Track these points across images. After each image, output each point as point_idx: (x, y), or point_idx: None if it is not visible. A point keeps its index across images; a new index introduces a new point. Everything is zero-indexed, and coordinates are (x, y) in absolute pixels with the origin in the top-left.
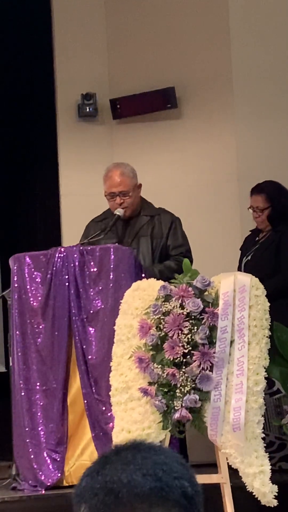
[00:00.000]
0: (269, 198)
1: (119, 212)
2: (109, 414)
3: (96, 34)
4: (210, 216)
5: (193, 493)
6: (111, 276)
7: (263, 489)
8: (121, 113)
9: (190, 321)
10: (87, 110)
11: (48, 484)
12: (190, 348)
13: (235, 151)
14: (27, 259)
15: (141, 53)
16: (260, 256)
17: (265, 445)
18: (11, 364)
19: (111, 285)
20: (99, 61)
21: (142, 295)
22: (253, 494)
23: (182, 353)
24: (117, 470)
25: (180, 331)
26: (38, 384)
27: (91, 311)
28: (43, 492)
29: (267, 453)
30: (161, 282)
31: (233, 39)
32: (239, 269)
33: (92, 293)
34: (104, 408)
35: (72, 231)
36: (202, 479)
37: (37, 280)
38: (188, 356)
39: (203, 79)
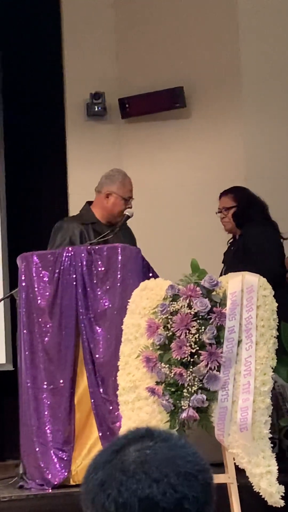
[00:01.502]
0: (235, 198)
1: (129, 212)
2: (116, 413)
3: (105, 33)
4: (213, 218)
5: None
6: (119, 276)
7: (270, 489)
8: (129, 112)
9: (198, 320)
10: (96, 109)
11: (55, 483)
12: (198, 348)
13: (243, 150)
14: (35, 258)
15: (150, 52)
16: (231, 262)
17: (272, 445)
18: (18, 363)
19: (118, 284)
20: (108, 60)
21: (149, 295)
22: (260, 494)
23: (189, 353)
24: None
25: (187, 331)
26: (45, 383)
27: (99, 310)
28: (50, 490)
29: (274, 454)
30: (168, 282)
31: (242, 38)
32: None
33: (99, 292)
34: (111, 407)
35: None
36: None
37: (44, 279)
38: (196, 356)
39: (211, 78)
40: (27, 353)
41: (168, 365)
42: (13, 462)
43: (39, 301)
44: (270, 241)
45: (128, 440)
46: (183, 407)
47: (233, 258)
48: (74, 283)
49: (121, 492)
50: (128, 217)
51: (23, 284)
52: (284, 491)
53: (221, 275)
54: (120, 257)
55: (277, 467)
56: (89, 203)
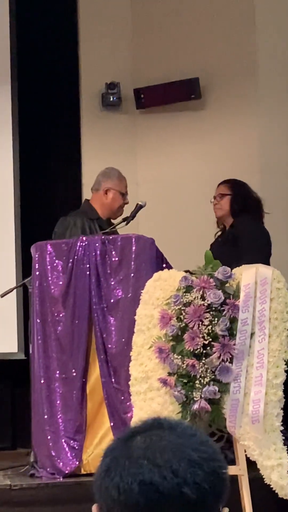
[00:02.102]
0: (231, 187)
1: (141, 202)
2: (128, 403)
3: (121, 23)
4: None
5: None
6: (132, 266)
7: (281, 482)
8: (144, 103)
9: (211, 312)
10: (111, 99)
11: (66, 472)
12: (210, 340)
13: (258, 143)
14: (49, 247)
15: (165, 43)
16: (219, 251)
17: (283, 438)
18: (31, 351)
19: (132, 274)
20: (123, 51)
21: (163, 286)
22: (271, 486)
23: (202, 344)
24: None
25: (200, 322)
26: (57, 372)
27: (112, 300)
28: (61, 479)
29: (286, 446)
30: (182, 273)
31: (259, 30)
32: None
33: (113, 283)
34: (123, 398)
35: None
36: None
37: (58, 268)
38: (208, 348)
39: (227, 70)
40: (39, 342)
41: (180, 356)
42: (24, 450)
43: (52, 290)
44: (263, 239)
45: (137, 429)
46: (195, 399)
47: (221, 248)
48: (88, 272)
49: (123, 477)
50: (141, 206)
51: (37, 273)
52: None
53: None
54: (134, 247)
55: None
56: (87, 200)
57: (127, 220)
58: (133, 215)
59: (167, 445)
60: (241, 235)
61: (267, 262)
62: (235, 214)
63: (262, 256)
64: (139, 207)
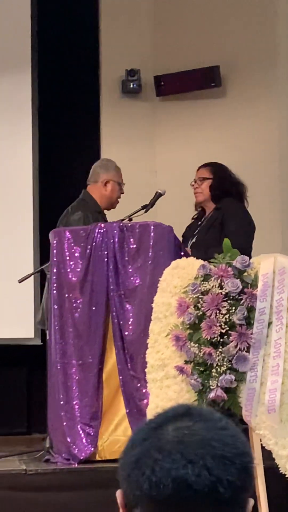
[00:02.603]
0: (212, 171)
1: (161, 190)
2: (143, 390)
3: (143, 10)
4: (250, 196)
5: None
6: (150, 253)
7: None
8: (164, 90)
9: (229, 301)
10: (131, 86)
11: (81, 458)
12: (228, 328)
13: (277, 131)
14: (67, 233)
15: (186, 30)
16: (205, 234)
17: None
18: (47, 337)
19: (149, 262)
20: (144, 37)
21: (181, 274)
22: (286, 476)
23: (219, 333)
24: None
25: (218, 311)
26: (74, 358)
27: (129, 288)
28: (76, 465)
29: None
30: (200, 261)
31: (280, 18)
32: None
33: (130, 270)
34: (139, 385)
35: None
36: None
37: (76, 255)
38: (225, 336)
39: (248, 58)
40: (57, 328)
41: (197, 345)
42: (40, 436)
43: (70, 276)
44: (249, 224)
45: (168, 418)
46: (211, 387)
47: (206, 232)
48: (106, 259)
49: (155, 471)
50: (161, 195)
51: (55, 259)
52: None
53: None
54: (152, 235)
55: None
56: (88, 192)
57: (146, 207)
58: (152, 203)
59: (200, 440)
60: (228, 218)
61: (251, 247)
62: (216, 198)
63: (250, 240)
64: (158, 195)
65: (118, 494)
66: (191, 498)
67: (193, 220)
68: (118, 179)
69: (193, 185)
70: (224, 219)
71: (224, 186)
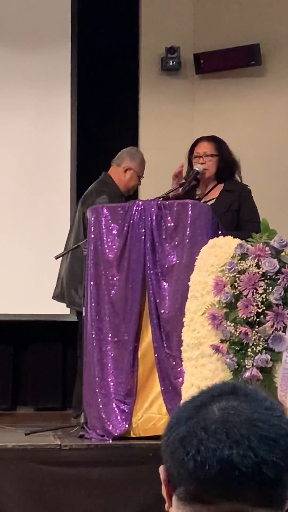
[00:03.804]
0: (217, 147)
1: (198, 168)
2: (179, 369)
3: None
4: (286, 178)
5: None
6: (188, 232)
7: None
8: (204, 68)
9: (266, 281)
10: (170, 63)
11: (116, 434)
12: (264, 308)
13: None
14: (105, 210)
15: (227, 8)
16: (222, 216)
17: None
18: (83, 314)
19: (187, 240)
20: (184, 15)
21: (218, 252)
22: None
23: (255, 313)
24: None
25: (255, 291)
26: (110, 335)
27: (166, 266)
28: (110, 442)
29: None
30: (238, 240)
31: None
32: None
33: (167, 248)
34: (174, 363)
35: (150, 184)
36: None
37: (113, 232)
38: (262, 316)
39: None
40: (93, 305)
41: (233, 324)
42: (71, 412)
43: (107, 253)
44: (257, 212)
45: (213, 396)
46: (247, 366)
47: (223, 214)
48: (143, 237)
49: (201, 451)
50: (198, 172)
51: (92, 236)
52: None
53: None
54: (190, 213)
55: None
56: (108, 174)
57: (183, 185)
58: (190, 181)
59: (245, 420)
60: (245, 206)
61: None
62: (221, 178)
63: (259, 228)
64: (196, 173)
65: (162, 470)
66: (235, 478)
67: (197, 197)
68: (139, 170)
69: (195, 157)
70: (241, 204)
71: (230, 167)
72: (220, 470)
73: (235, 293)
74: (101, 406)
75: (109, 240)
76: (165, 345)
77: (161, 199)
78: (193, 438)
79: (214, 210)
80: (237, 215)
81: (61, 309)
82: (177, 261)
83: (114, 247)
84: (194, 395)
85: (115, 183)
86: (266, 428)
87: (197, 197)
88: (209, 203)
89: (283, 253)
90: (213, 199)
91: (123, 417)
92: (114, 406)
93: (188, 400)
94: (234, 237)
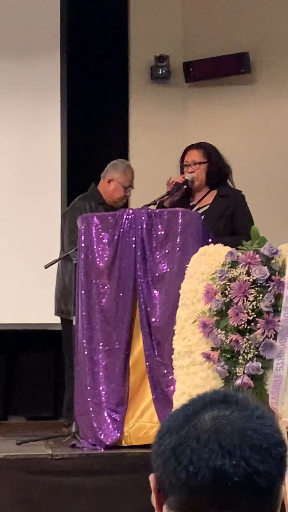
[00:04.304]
0: (206, 154)
1: (188, 176)
2: (170, 377)
3: None
4: (278, 185)
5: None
6: (178, 240)
7: None
8: (194, 76)
9: (256, 288)
10: (160, 72)
11: (107, 443)
12: (255, 316)
13: None
14: (95, 219)
15: (216, 16)
16: (216, 222)
17: None
18: (74, 323)
19: (177, 248)
20: (173, 23)
21: (208, 260)
22: None
23: (246, 320)
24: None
25: (245, 298)
26: (101, 344)
27: (157, 274)
28: (102, 451)
29: None
30: (228, 248)
31: None
32: None
33: (158, 256)
34: (165, 371)
35: (140, 192)
36: None
37: (104, 240)
38: (253, 324)
39: (278, 45)
40: (84, 313)
41: (224, 332)
42: (62, 421)
43: (98, 262)
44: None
45: (204, 405)
46: (238, 374)
47: (217, 220)
48: (134, 246)
49: (193, 461)
50: (187, 181)
51: (83, 245)
52: None
53: None
54: (180, 221)
55: None
56: (95, 184)
57: (170, 193)
58: (177, 189)
59: (237, 429)
60: (240, 213)
61: None
62: (212, 184)
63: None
64: (185, 182)
65: (152, 478)
66: (228, 488)
67: (191, 205)
68: (123, 181)
69: (185, 165)
70: (234, 210)
71: (221, 172)
72: (213, 480)
73: (226, 301)
74: (92, 415)
75: (99, 248)
76: (156, 353)
77: (150, 206)
78: (185, 448)
79: (208, 216)
80: (231, 220)
81: (52, 318)
82: (168, 269)
83: (104, 255)
84: (185, 404)
85: (98, 192)
86: (258, 438)
87: (191, 204)
88: (203, 209)
89: (273, 261)
90: (207, 205)
91: (115, 426)
92: (106, 415)
93: (179, 409)
94: (227, 244)
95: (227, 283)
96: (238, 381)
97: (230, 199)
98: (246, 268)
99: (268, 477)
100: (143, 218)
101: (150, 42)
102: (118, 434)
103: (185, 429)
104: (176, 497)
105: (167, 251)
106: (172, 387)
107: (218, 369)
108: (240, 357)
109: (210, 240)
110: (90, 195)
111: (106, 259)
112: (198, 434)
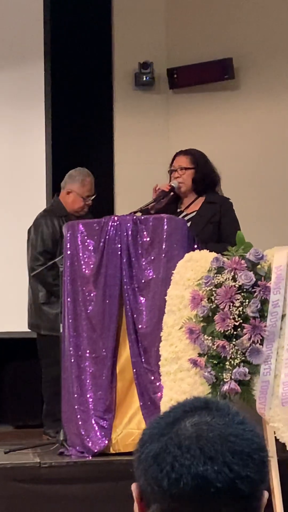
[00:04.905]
0: (193, 161)
1: (174, 183)
2: (157, 383)
3: (155, 2)
4: (265, 189)
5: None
6: (164, 246)
7: None
8: (178, 82)
9: (242, 294)
10: (144, 79)
11: (95, 450)
12: (241, 321)
13: None
14: (81, 226)
15: (199, 22)
16: (202, 228)
17: None
18: (61, 330)
19: (163, 255)
20: (157, 30)
21: (194, 266)
22: None
23: (233, 326)
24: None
25: (231, 304)
26: (88, 351)
27: (143, 281)
28: (90, 458)
29: None
30: (214, 254)
31: None
32: None
33: (144, 263)
34: (153, 378)
35: (125, 199)
36: None
37: (89, 248)
38: (239, 329)
39: (261, 50)
40: (70, 321)
41: (211, 337)
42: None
43: (83, 269)
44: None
45: (185, 412)
46: (225, 380)
47: (203, 226)
48: (119, 252)
49: (175, 468)
50: (173, 188)
51: (68, 252)
52: None
53: None
54: (165, 227)
55: None
56: (57, 197)
57: (156, 200)
58: (164, 196)
59: (219, 435)
60: (227, 219)
61: None
62: (199, 191)
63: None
64: (172, 188)
65: (134, 487)
66: (211, 494)
67: (150, 205)
68: (81, 192)
69: (171, 171)
70: (222, 217)
71: (207, 179)
72: (195, 486)
73: (212, 307)
74: (80, 422)
75: (85, 256)
76: (143, 360)
77: (137, 213)
78: (167, 455)
79: (195, 223)
80: (218, 227)
81: None
82: (154, 276)
83: (90, 263)
84: (166, 411)
85: (60, 204)
86: (239, 443)
87: (178, 210)
88: (190, 215)
89: (259, 266)
90: (194, 211)
91: (103, 433)
92: (93, 422)
93: (160, 416)
94: (214, 250)
95: (213, 289)
96: (225, 387)
97: (218, 205)
98: (232, 273)
99: (250, 482)
100: (129, 224)
101: (134, 48)
102: (106, 441)
103: (166, 436)
104: (158, 505)
105: (152, 257)
106: (159, 393)
107: (205, 375)
108: (227, 363)
109: (195, 246)
110: (51, 210)
111: (92, 266)
112: (180, 440)
